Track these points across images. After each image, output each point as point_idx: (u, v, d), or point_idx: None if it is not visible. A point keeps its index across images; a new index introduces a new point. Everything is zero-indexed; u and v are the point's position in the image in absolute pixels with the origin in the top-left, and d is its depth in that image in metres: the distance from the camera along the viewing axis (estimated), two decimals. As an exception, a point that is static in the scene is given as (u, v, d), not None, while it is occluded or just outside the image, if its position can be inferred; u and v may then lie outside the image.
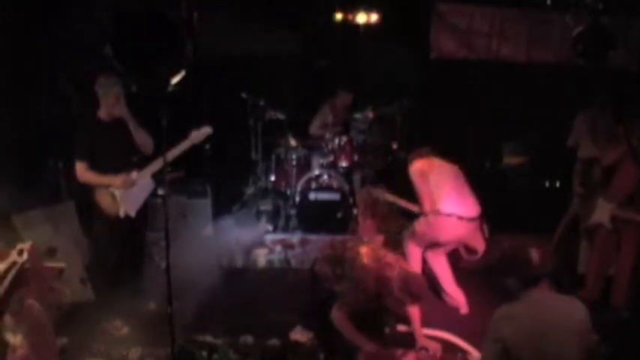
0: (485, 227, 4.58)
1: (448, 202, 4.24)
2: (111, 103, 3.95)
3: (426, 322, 3.95)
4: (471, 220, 4.28)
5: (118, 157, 4.04)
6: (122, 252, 4.16)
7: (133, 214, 4.08)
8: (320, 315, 3.78)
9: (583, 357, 2.46)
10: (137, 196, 4.12)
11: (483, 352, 2.57)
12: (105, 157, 3.99)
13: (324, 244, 4.38)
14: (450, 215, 4.20)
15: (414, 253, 4.49)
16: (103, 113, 4.01)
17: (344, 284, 3.67)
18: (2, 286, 2.35)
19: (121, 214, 4.04)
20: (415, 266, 4.46)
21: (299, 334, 3.96)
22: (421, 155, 4.51)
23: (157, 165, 4.13)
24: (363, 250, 3.79)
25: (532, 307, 2.47)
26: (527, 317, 2.44)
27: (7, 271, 2.43)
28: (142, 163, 4.14)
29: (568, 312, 2.52)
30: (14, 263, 2.44)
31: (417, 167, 4.42)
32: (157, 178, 4.23)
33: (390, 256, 3.78)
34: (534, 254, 2.56)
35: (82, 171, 3.96)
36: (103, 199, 4.02)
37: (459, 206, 4.24)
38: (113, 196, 4.02)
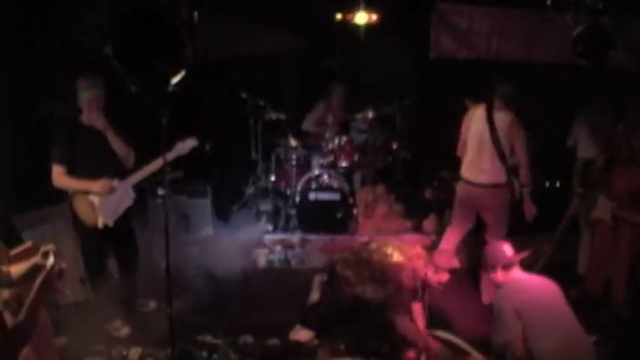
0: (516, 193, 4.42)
1: (465, 164, 4.52)
2: (85, 107, 3.84)
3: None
4: (479, 186, 4.41)
5: (98, 164, 3.89)
6: (111, 256, 4.15)
7: (110, 223, 3.94)
8: (340, 318, 3.84)
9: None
10: (116, 206, 3.96)
11: (503, 325, 3.17)
12: (84, 164, 3.85)
13: (339, 249, 4.40)
14: (461, 179, 4.55)
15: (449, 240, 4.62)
16: (84, 118, 3.89)
17: (377, 289, 3.71)
18: (32, 290, 2.30)
19: (100, 224, 3.90)
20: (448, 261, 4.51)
21: (299, 334, 3.96)
22: (487, 100, 4.52)
23: (140, 175, 4.04)
24: (389, 250, 3.84)
25: (520, 283, 3.32)
26: (521, 290, 3.26)
27: (31, 273, 2.38)
28: (121, 173, 4.02)
29: (547, 282, 3.35)
30: (41, 266, 2.39)
31: (468, 113, 4.65)
32: (157, 178, 4.21)
33: (413, 250, 3.83)
34: (508, 248, 3.44)
35: (59, 175, 3.80)
36: (81, 208, 3.88)
37: (470, 171, 4.47)
38: (92, 205, 3.87)
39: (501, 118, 4.40)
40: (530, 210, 4.42)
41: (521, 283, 3.32)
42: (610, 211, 4.36)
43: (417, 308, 3.82)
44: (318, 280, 4.36)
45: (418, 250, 3.87)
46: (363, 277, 3.77)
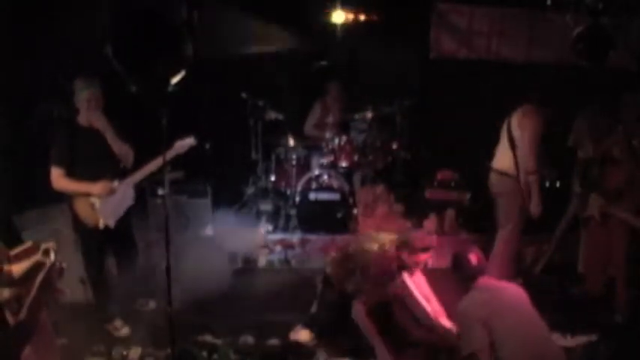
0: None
1: None
2: (84, 107, 3.82)
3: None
4: (492, 170, 4.60)
5: (97, 165, 3.88)
6: (110, 256, 4.14)
7: (111, 224, 3.94)
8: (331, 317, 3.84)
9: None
10: (117, 206, 3.97)
11: (469, 336, 3.07)
12: (83, 165, 3.83)
13: (333, 249, 4.40)
14: None
15: None
16: (81, 118, 3.88)
17: (356, 279, 3.70)
18: (33, 289, 2.30)
19: (101, 225, 3.90)
20: None
21: (299, 334, 3.95)
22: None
23: (140, 174, 4.04)
24: (368, 241, 3.85)
25: (487, 292, 3.20)
26: (489, 299, 3.14)
27: (32, 271, 2.37)
28: (121, 173, 4.02)
29: (515, 289, 3.29)
30: (41, 264, 2.39)
31: None
32: (157, 177, 4.20)
33: (388, 236, 3.84)
34: (472, 257, 3.32)
35: (58, 178, 3.78)
36: (82, 209, 3.87)
37: (494, 158, 4.64)
38: (92, 206, 3.87)
39: (521, 109, 4.52)
40: (535, 204, 4.41)
41: (488, 290, 3.22)
42: (599, 208, 4.37)
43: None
44: (319, 287, 4.35)
45: (392, 236, 3.85)
46: (348, 270, 3.76)
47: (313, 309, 4.16)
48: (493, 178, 4.66)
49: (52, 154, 3.81)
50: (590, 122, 5.22)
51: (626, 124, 4.41)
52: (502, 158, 4.58)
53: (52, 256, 2.43)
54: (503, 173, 4.55)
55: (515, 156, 4.47)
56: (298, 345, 3.88)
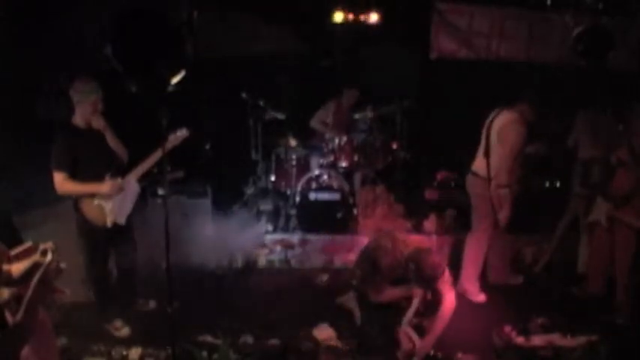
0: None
1: None
2: (88, 110, 3.80)
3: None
4: (472, 173, 4.58)
5: (98, 165, 3.87)
6: (112, 257, 4.15)
7: (123, 222, 3.97)
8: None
9: None
10: (125, 203, 3.99)
11: None
12: (84, 166, 3.81)
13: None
14: None
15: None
16: (78, 120, 3.85)
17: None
18: (29, 289, 2.30)
19: (109, 224, 3.91)
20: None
21: (323, 332, 3.95)
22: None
23: (141, 169, 4.05)
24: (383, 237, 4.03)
25: None
26: None
27: (31, 271, 2.37)
28: (120, 171, 4.02)
29: None
30: (38, 264, 2.39)
31: None
32: (157, 178, 4.20)
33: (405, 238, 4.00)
34: None
35: (62, 182, 3.73)
36: (89, 210, 3.86)
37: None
38: (100, 207, 3.87)
39: (504, 115, 4.46)
40: (504, 216, 4.43)
41: None
42: (605, 212, 4.37)
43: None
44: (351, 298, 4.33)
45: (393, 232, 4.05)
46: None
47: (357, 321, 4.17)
48: (468, 177, 4.70)
49: (53, 159, 3.77)
50: (590, 122, 5.22)
51: (628, 125, 4.40)
52: (478, 158, 4.62)
53: (50, 255, 2.43)
54: (474, 173, 4.60)
55: (487, 160, 4.46)
56: (298, 345, 3.88)
